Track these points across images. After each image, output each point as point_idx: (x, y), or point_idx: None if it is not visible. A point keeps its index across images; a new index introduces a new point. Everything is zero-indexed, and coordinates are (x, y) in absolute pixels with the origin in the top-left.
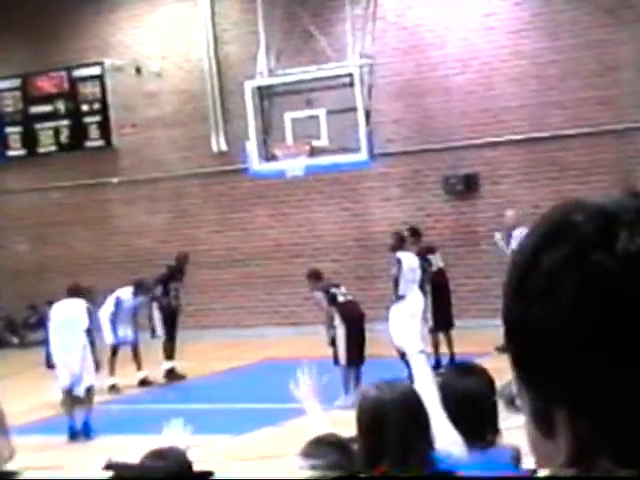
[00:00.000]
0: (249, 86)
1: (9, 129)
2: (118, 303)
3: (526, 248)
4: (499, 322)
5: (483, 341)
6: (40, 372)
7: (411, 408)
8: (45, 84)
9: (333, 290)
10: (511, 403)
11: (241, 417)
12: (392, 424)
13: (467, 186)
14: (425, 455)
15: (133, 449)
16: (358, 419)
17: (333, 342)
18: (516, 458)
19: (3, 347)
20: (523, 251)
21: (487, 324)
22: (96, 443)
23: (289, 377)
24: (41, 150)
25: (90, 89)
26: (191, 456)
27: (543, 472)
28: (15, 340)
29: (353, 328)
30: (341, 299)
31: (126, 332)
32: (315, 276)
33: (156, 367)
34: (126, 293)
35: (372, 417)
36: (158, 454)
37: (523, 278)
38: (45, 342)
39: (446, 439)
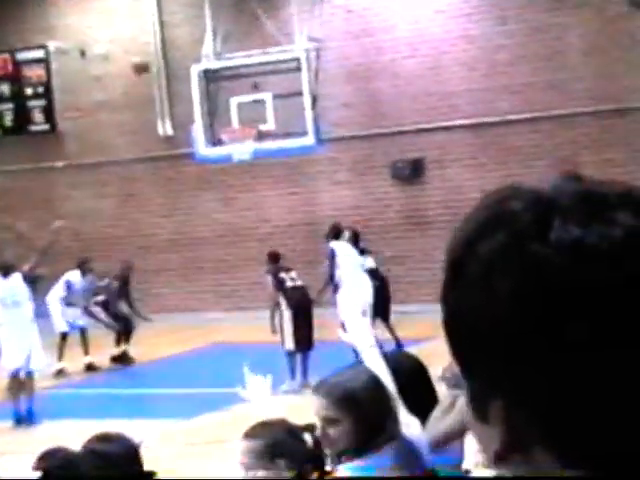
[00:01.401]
0: (195, 70)
1: None
2: (69, 286)
3: (462, 236)
4: (438, 307)
5: (433, 326)
6: None
7: (379, 392)
8: None
9: (282, 275)
10: (455, 385)
11: (189, 402)
12: (363, 409)
13: (415, 171)
14: (394, 437)
15: (79, 434)
16: (327, 406)
17: (274, 328)
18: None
19: None
20: (459, 239)
21: (436, 309)
22: (41, 429)
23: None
24: None
25: (34, 72)
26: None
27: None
28: None
29: (299, 314)
30: (289, 284)
31: (76, 316)
32: (271, 258)
33: (104, 351)
34: (75, 276)
35: (342, 404)
36: (103, 438)
37: (459, 267)
38: None
39: (405, 422)
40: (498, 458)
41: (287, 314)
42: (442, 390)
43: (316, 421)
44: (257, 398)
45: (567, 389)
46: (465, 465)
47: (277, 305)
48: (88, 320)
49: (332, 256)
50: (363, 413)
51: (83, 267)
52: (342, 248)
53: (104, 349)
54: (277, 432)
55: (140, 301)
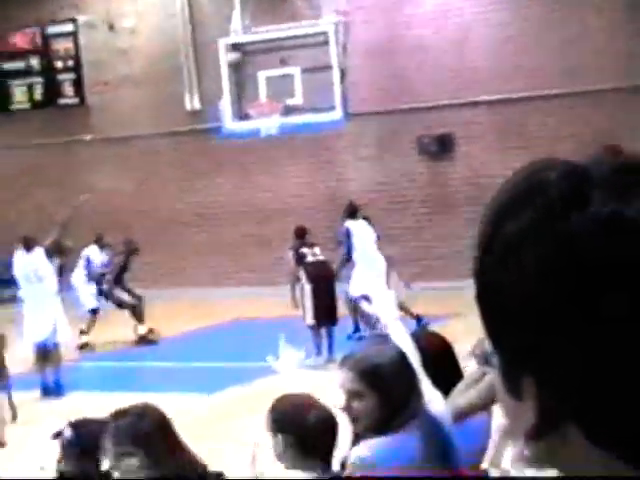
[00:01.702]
0: (223, 44)
1: None
2: (89, 263)
3: (494, 208)
4: (471, 283)
5: (456, 303)
6: (11, 328)
7: (405, 369)
8: (18, 40)
9: (303, 250)
10: (485, 361)
11: (212, 376)
12: (388, 385)
13: (441, 146)
14: (418, 413)
15: (104, 406)
16: (352, 380)
17: (295, 303)
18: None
19: None
20: (491, 211)
21: (460, 286)
22: (68, 400)
23: (259, 337)
24: (14, 107)
25: (63, 46)
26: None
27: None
28: None
29: (320, 288)
30: (310, 259)
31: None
32: (296, 234)
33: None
34: (93, 251)
35: (368, 378)
36: (123, 413)
37: (491, 239)
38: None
39: (429, 399)
40: (529, 435)
41: (307, 288)
42: (472, 366)
43: (342, 394)
44: (287, 370)
45: (601, 363)
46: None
47: (297, 280)
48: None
49: (348, 236)
50: (388, 388)
51: (100, 243)
52: (358, 227)
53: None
54: (285, 407)
55: (164, 276)
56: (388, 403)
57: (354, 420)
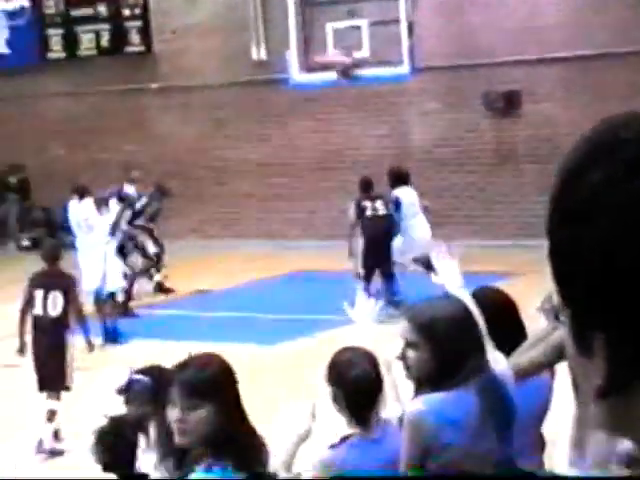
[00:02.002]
0: None
1: (50, 31)
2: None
3: (569, 164)
4: (535, 242)
5: (518, 261)
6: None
7: (463, 327)
8: None
9: (365, 203)
10: (555, 316)
11: (272, 327)
12: (442, 339)
13: (507, 103)
14: (480, 372)
15: (166, 355)
16: (409, 330)
17: (351, 252)
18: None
19: (39, 247)
20: (566, 167)
21: (523, 244)
22: (127, 347)
23: (321, 289)
24: (81, 53)
25: None
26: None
27: None
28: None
29: (374, 243)
30: (369, 213)
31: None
32: (361, 186)
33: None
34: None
35: (423, 330)
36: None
37: (565, 196)
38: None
39: (492, 358)
40: (599, 394)
41: (361, 242)
42: (541, 322)
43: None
44: (362, 319)
45: None
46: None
47: (354, 232)
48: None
49: (397, 205)
50: (441, 342)
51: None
52: (406, 195)
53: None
54: (335, 361)
55: (226, 227)
56: (441, 357)
57: (409, 368)
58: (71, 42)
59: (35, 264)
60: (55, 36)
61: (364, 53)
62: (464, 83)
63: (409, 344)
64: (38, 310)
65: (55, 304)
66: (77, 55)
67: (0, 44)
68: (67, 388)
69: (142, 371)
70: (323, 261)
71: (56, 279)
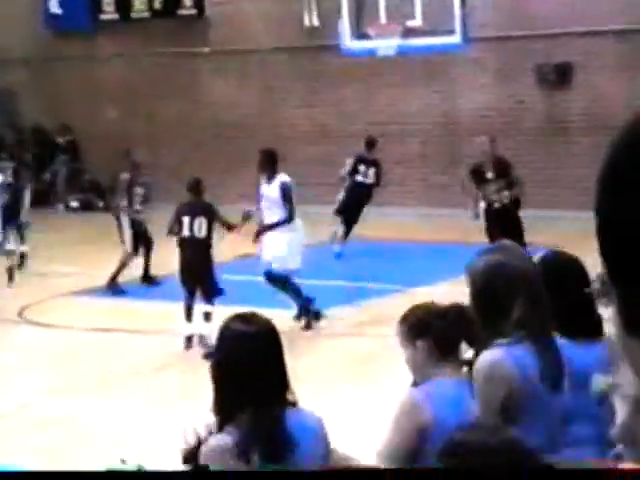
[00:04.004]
0: None
1: None
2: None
3: (621, 141)
4: (585, 214)
5: (568, 233)
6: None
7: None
8: None
9: (360, 166)
10: (603, 295)
11: (321, 294)
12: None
13: (560, 75)
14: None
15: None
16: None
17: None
18: None
19: (90, 209)
20: (617, 143)
21: (573, 216)
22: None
23: (369, 257)
24: (134, 15)
25: None
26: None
27: None
28: (100, 204)
29: (349, 209)
30: (358, 179)
31: None
32: (366, 143)
33: None
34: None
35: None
36: (242, 318)
37: (615, 171)
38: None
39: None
40: None
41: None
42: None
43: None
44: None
45: None
46: None
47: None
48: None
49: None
50: (483, 294)
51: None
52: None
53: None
54: (420, 314)
55: None
56: (487, 310)
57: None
58: (124, 3)
59: (85, 225)
60: None
61: (417, 22)
62: (516, 54)
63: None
64: (186, 232)
65: (201, 228)
66: (129, 17)
67: (53, 5)
68: (221, 291)
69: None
70: (373, 229)
71: (200, 207)
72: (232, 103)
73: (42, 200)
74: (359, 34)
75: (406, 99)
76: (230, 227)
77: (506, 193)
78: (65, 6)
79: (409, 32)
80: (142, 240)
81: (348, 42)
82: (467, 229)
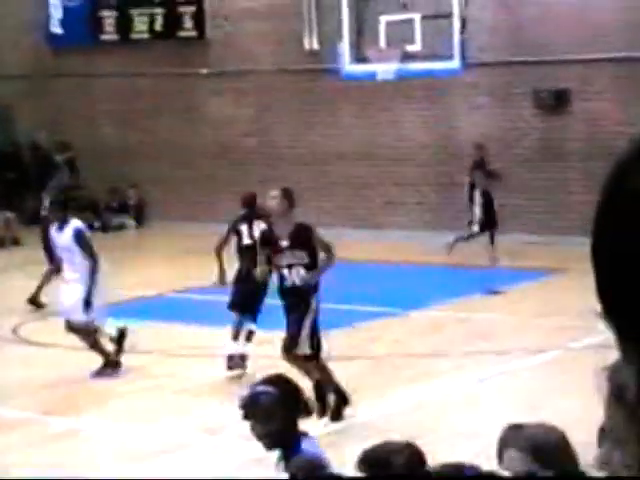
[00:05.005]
0: None
1: (104, 12)
2: None
3: (616, 168)
4: (580, 239)
5: (562, 258)
6: (120, 256)
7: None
8: None
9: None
10: None
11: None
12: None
13: (557, 101)
14: None
15: (208, 338)
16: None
17: None
18: None
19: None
20: (613, 171)
21: (566, 241)
22: (163, 332)
23: (362, 279)
24: (134, 36)
25: None
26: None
27: None
28: (97, 223)
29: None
30: (245, 241)
31: None
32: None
33: None
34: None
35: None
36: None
37: (609, 199)
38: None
39: None
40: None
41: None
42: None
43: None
44: None
45: None
46: None
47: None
48: None
49: None
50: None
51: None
52: None
53: None
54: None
55: None
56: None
57: None
58: (124, 25)
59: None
60: (108, 18)
61: (416, 47)
62: (514, 79)
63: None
64: (247, 240)
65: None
66: (130, 38)
67: (54, 24)
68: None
69: (266, 382)
70: (365, 251)
71: (256, 215)
72: (229, 123)
73: (38, 218)
74: (359, 58)
75: (404, 122)
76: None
77: None
78: (66, 25)
79: (408, 56)
80: None
81: (347, 65)
82: (462, 252)
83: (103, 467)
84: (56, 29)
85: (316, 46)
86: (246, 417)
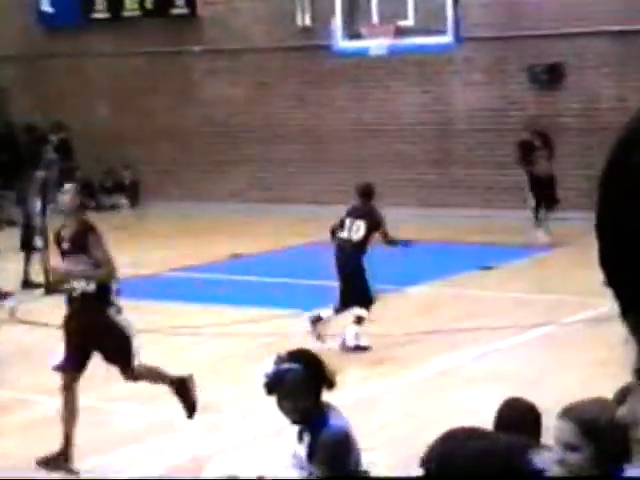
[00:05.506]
0: None
1: None
2: None
3: (617, 144)
4: (577, 214)
5: (558, 233)
6: (114, 236)
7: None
8: None
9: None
10: None
11: (308, 293)
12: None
13: (552, 76)
14: None
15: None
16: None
17: None
18: None
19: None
20: (614, 147)
21: (564, 216)
22: (156, 311)
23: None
24: (126, 14)
25: None
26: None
27: None
28: (92, 203)
29: None
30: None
31: None
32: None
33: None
34: None
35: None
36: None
37: (612, 174)
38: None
39: None
40: (636, 375)
41: None
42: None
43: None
44: None
45: None
46: None
47: None
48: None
49: None
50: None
51: None
52: None
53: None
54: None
55: (267, 191)
56: (603, 458)
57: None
58: (115, 2)
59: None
60: None
61: (409, 22)
62: (508, 54)
63: (570, 446)
64: (344, 234)
65: (358, 230)
66: (121, 16)
67: (44, 3)
68: (371, 301)
69: (290, 358)
70: None
71: (362, 211)
72: (222, 101)
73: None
74: (351, 34)
75: (398, 99)
76: (387, 237)
77: None
78: (56, 4)
79: (401, 32)
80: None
81: (340, 42)
82: (459, 228)
83: (101, 448)
84: (47, 7)
85: (309, 23)
86: (270, 393)
